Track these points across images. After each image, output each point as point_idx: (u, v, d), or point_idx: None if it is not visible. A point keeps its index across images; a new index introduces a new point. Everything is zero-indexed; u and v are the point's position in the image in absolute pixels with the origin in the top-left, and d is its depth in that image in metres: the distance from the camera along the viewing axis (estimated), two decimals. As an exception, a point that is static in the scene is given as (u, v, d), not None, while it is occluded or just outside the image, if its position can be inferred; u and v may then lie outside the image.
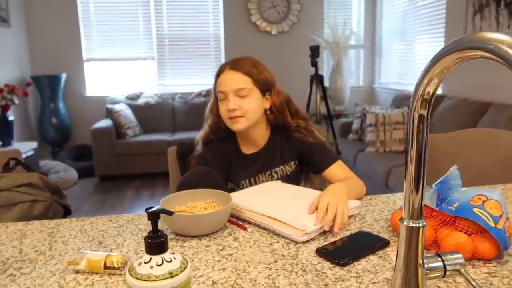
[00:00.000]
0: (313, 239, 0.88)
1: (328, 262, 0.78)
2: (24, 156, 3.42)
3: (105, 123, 4.29)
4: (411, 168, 0.60)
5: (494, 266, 0.75)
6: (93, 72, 4.87)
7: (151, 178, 4.21)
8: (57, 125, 4.52)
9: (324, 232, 0.91)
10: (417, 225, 0.61)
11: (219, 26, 5.00)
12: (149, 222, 0.52)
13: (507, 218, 0.80)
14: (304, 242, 0.87)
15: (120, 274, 0.74)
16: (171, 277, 0.50)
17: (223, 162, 1.28)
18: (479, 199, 0.81)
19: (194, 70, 5.02)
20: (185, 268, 0.52)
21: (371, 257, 0.80)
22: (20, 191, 1.14)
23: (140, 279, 0.50)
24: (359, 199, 1.12)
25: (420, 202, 0.61)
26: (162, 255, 0.52)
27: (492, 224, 0.77)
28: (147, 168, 4.23)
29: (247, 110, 1.20)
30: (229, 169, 1.30)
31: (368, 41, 5.28)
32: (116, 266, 0.74)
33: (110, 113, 4.32)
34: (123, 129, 4.28)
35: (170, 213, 0.54)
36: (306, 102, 3.20)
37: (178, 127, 4.73)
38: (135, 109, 4.59)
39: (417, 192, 0.61)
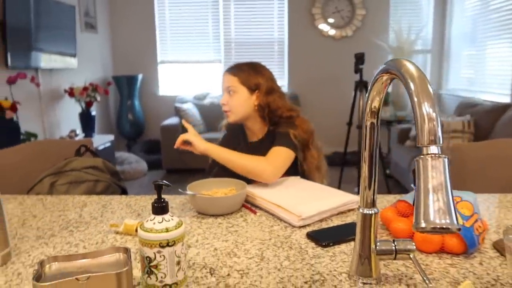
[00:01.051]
0: (309, 225, 1.03)
1: (313, 244, 0.93)
2: (101, 147, 3.90)
3: (173, 120, 4.69)
4: (364, 167, 0.74)
5: (460, 260, 0.85)
6: (166, 73, 5.33)
7: (211, 173, 4.52)
8: (133, 120, 5.03)
9: (321, 221, 1.06)
10: (370, 212, 0.74)
11: (283, 31, 5.19)
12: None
13: (478, 219, 0.89)
14: (300, 227, 1.02)
15: (147, 237, 0.96)
16: (167, 231, 0.69)
17: (229, 145, 1.49)
18: (454, 199, 0.91)
19: (257, 73, 5.26)
20: (179, 227, 0.71)
21: (353, 243, 0.93)
22: (87, 172, 1.42)
23: (145, 231, 0.70)
24: (255, 176, 1.27)
25: (372, 194, 0.74)
26: (163, 216, 0.71)
27: (460, 222, 0.86)
28: (208, 163, 4.53)
29: (232, 105, 1.44)
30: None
31: (436, 46, 5.13)
32: (144, 230, 0.96)
33: (178, 111, 4.71)
34: (188, 126, 4.64)
35: (168, 185, 0.73)
36: (350, 107, 3.27)
37: (239, 126, 4.99)
38: (201, 108, 4.94)
39: (369, 187, 0.74)
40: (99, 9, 4.87)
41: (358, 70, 2.78)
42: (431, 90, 0.56)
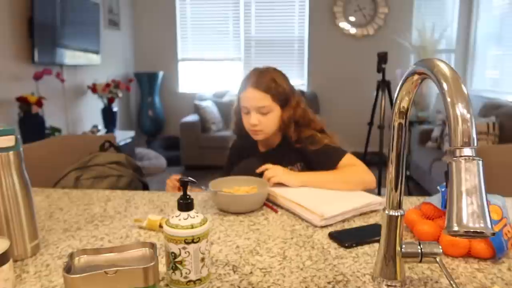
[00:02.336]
0: (331, 225, 1.03)
1: (335, 244, 0.92)
2: (122, 143, 3.96)
3: (193, 117, 4.72)
4: (391, 168, 0.73)
5: (487, 265, 0.83)
6: (186, 70, 5.37)
7: (229, 171, 4.54)
8: (153, 117, 5.09)
9: (343, 221, 1.05)
10: (396, 214, 0.73)
11: (303, 29, 5.16)
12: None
13: (507, 224, 0.87)
14: (322, 227, 1.02)
15: (170, 233, 0.97)
16: (192, 228, 0.70)
17: (237, 154, 1.48)
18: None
19: (276, 71, 5.25)
20: (204, 223, 0.72)
21: (376, 244, 0.92)
22: (110, 167, 1.44)
23: (170, 227, 0.70)
24: (364, 186, 1.23)
25: (399, 196, 0.73)
26: (188, 213, 0.72)
27: (489, 226, 0.84)
28: (226, 161, 4.56)
29: (267, 125, 1.35)
30: (241, 161, 1.47)
31: (461, 46, 5.02)
32: (167, 226, 0.97)
33: (197, 109, 4.74)
34: (208, 124, 4.68)
35: (194, 182, 0.74)
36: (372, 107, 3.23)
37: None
38: (220, 106, 4.97)
39: (396, 189, 0.73)
40: (122, 6, 4.94)
41: (380, 70, 2.75)
42: (465, 90, 0.55)
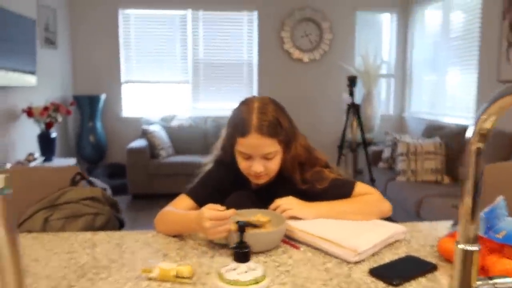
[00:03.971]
0: (363, 260, 0.94)
1: (381, 282, 0.83)
2: (65, 171, 3.58)
3: (140, 143, 4.45)
4: (467, 199, 0.66)
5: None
6: (130, 93, 5.09)
7: (181, 198, 4.31)
8: (94, 143, 4.72)
9: (373, 255, 0.97)
10: (472, 249, 0.66)
11: (252, 53, 5.17)
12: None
13: None
14: (355, 262, 0.92)
15: (190, 283, 0.81)
16: (256, 283, 0.57)
17: (221, 186, 1.26)
18: None
19: (227, 94, 5.18)
20: (265, 276, 0.59)
21: (421, 279, 0.85)
22: (85, 204, 1.24)
23: (229, 283, 0.57)
24: (381, 215, 1.16)
25: (475, 229, 0.66)
26: (247, 264, 0.59)
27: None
28: (178, 188, 4.32)
29: (272, 169, 1.19)
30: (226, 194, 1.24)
31: (399, 71, 5.33)
32: (186, 276, 0.81)
33: (145, 134, 4.48)
34: (157, 149, 4.43)
35: (256, 226, 0.61)
36: (342, 130, 3.26)
37: (209, 149, 4.83)
38: (168, 130, 4.75)
39: (472, 220, 0.66)
40: (60, 24, 4.59)
41: (352, 92, 2.77)
42: None
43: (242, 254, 0.58)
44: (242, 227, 0.59)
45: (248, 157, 1.17)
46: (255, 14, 5.10)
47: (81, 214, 1.21)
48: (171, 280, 0.82)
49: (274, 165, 1.18)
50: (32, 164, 3.50)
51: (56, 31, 4.50)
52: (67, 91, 4.78)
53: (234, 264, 0.59)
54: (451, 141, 3.64)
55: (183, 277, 0.81)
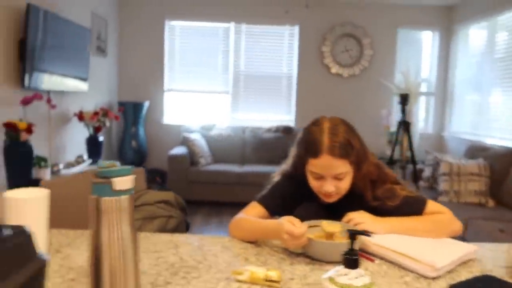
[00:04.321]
0: (439, 276, 0.96)
1: (463, 299, 0.85)
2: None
3: (181, 150, 4.57)
4: None
5: None
6: (172, 101, 5.25)
7: (218, 207, 4.39)
8: (136, 148, 4.88)
9: (449, 272, 0.99)
10: None
11: (292, 66, 5.24)
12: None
13: None
14: (433, 278, 0.94)
15: (278, 287, 0.86)
16: (367, 290, 0.61)
17: (292, 197, 1.29)
18: None
19: (265, 106, 5.26)
20: (374, 283, 0.63)
21: (503, 299, 0.86)
22: (159, 206, 1.31)
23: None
24: (452, 235, 1.17)
25: None
26: (357, 270, 0.63)
27: None
28: (216, 196, 4.42)
29: (343, 188, 1.21)
30: (294, 207, 1.27)
31: (439, 89, 5.27)
32: (276, 279, 0.86)
33: (186, 141, 4.60)
34: (196, 157, 4.54)
35: (368, 234, 0.65)
36: (391, 147, 3.24)
37: (247, 159, 4.92)
38: (208, 139, 4.86)
39: None
40: (110, 33, 4.81)
41: (403, 110, 2.78)
42: None
43: (352, 260, 0.63)
44: (353, 235, 0.63)
45: (320, 177, 1.20)
46: (296, 28, 5.18)
47: (156, 216, 1.28)
48: (261, 283, 0.87)
49: (345, 185, 1.21)
50: (81, 166, 3.66)
51: (107, 39, 4.72)
52: (113, 97, 4.98)
53: (344, 270, 0.63)
54: (496, 162, 3.57)
55: (273, 281, 0.86)
